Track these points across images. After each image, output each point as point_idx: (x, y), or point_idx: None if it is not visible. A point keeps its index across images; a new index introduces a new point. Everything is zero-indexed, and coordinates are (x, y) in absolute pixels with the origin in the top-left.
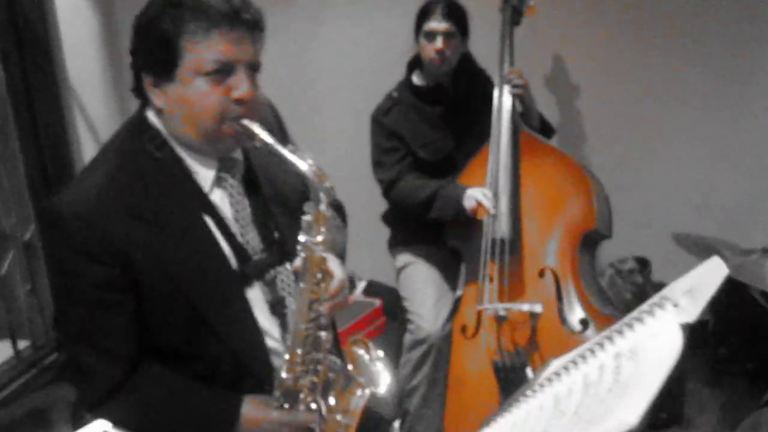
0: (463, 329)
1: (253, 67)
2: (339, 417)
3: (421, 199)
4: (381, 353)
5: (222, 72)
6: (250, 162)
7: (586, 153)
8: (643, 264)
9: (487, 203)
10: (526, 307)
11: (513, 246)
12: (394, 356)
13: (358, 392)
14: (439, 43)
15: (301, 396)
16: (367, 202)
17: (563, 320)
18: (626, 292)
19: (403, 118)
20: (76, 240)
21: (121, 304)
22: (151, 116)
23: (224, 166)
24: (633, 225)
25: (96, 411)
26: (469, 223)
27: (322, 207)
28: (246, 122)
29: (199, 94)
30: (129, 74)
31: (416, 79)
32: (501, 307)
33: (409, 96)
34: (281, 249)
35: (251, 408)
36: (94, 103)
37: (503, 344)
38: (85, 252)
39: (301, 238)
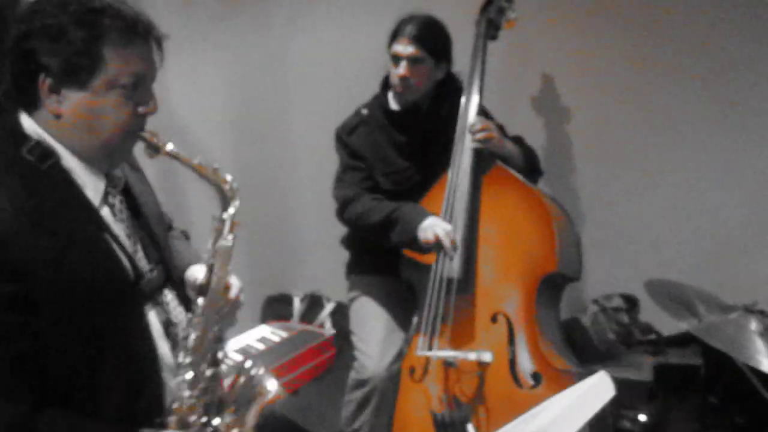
0: (412, 371)
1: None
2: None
3: (375, 221)
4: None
5: (134, 85)
6: (129, 183)
7: (574, 181)
8: (631, 303)
9: (446, 242)
10: (473, 355)
11: (465, 285)
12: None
13: (252, 402)
14: (401, 69)
15: (192, 419)
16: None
17: (513, 373)
18: (609, 332)
19: (368, 139)
20: None
21: (25, 327)
22: (26, 123)
23: (110, 181)
24: (622, 261)
25: None
26: (425, 255)
27: (232, 211)
28: (146, 135)
29: (110, 105)
30: None
31: (391, 101)
32: (443, 354)
33: (380, 116)
34: (166, 270)
35: None
36: None
37: (446, 395)
38: None
39: (210, 245)
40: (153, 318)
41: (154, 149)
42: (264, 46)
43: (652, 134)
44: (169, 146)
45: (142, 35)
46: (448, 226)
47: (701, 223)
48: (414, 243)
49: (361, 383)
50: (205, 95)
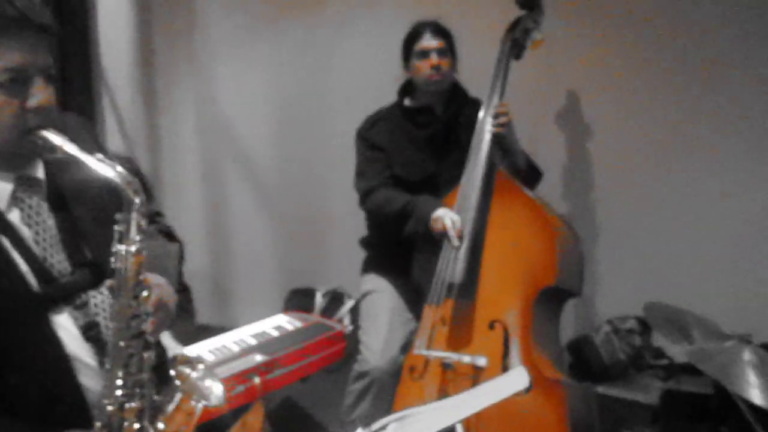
0: (412, 369)
1: (49, 73)
2: None
3: (394, 210)
4: (204, 365)
5: (17, 81)
6: (55, 181)
7: (594, 199)
8: (645, 326)
9: (451, 232)
10: (467, 359)
11: (466, 291)
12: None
13: (189, 409)
14: (434, 58)
15: (126, 424)
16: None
17: None
18: (620, 353)
19: (386, 133)
20: None
21: None
22: None
23: (22, 184)
24: (640, 282)
25: None
26: (433, 257)
27: (134, 215)
28: (45, 134)
29: None
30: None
31: (407, 102)
32: (439, 355)
33: (398, 115)
34: (96, 271)
35: None
36: (124, 96)
37: (440, 394)
38: None
39: (115, 248)
40: (66, 321)
41: (50, 149)
42: (310, 52)
43: (676, 154)
44: (67, 146)
45: (15, 27)
46: (456, 216)
47: (721, 248)
48: (428, 232)
49: (361, 375)
50: (251, 93)
